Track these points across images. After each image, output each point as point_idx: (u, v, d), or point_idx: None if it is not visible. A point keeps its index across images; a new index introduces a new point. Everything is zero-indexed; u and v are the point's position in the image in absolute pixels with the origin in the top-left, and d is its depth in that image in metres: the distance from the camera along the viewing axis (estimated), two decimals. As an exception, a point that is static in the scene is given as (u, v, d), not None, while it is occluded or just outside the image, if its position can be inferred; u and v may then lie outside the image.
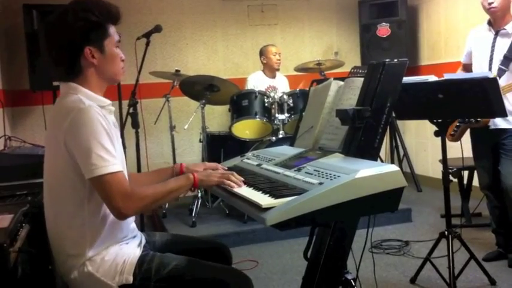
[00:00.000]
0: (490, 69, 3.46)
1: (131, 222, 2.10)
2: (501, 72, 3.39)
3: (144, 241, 2.15)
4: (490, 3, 3.42)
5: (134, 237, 2.10)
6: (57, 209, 1.93)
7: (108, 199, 1.81)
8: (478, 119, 3.40)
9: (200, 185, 2.03)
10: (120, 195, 1.79)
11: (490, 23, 3.57)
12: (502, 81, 3.37)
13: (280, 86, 5.64)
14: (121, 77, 2.07)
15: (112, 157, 1.81)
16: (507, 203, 3.49)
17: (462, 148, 3.37)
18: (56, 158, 1.89)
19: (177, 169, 2.32)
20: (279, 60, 5.67)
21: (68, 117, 1.81)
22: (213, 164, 2.39)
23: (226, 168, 2.38)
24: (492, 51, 3.50)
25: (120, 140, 2.05)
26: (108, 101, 1.99)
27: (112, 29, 1.98)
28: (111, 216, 1.91)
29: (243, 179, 2.05)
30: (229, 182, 2.00)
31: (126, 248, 1.99)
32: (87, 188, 1.86)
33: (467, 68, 3.76)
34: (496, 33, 3.52)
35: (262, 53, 5.71)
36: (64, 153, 1.83)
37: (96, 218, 1.90)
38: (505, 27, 3.47)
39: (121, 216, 1.85)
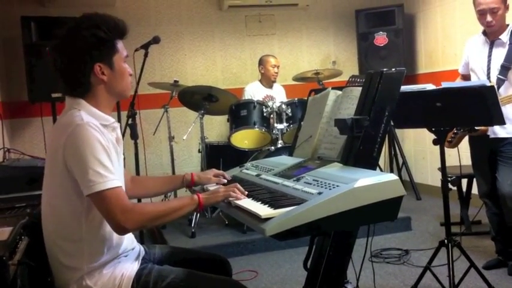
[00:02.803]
0: (488, 79, 3.46)
1: (129, 235, 2.09)
2: (500, 82, 3.40)
3: (142, 253, 2.14)
4: (489, 22, 3.42)
5: (133, 249, 2.10)
6: (55, 221, 1.93)
7: (107, 214, 1.80)
8: (476, 128, 3.41)
9: (206, 204, 1.99)
10: (119, 209, 1.78)
11: (485, 33, 3.58)
12: (502, 92, 3.37)
13: (278, 95, 5.65)
14: (129, 92, 2.06)
15: (110, 173, 1.80)
16: (504, 209, 3.49)
17: (460, 156, 3.38)
18: (54, 172, 1.89)
19: (188, 178, 2.34)
20: (277, 73, 5.69)
21: (66, 132, 1.81)
22: (220, 172, 2.43)
23: (230, 178, 2.41)
24: (489, 61, 3.52)
25: (122, 157, 2.05)
26: (112, 119, 1.98)
27: (120, 45, 1.98)
28: (111, 234, 1.91)
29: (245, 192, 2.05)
30: (235, 194, 1.99)
31: (125, 261, 1.99)
32: (84, 204, 1.85)
33: (466, 78, 3.76)
34: (492, 43, 3.53)
35: (261, 62, 5.73)
36: (62, 169, 1.83)
37: (94, 234, 1.90)
38: (499, 37, 3.49)
39: (121, 230, 1.84)
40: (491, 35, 3.53)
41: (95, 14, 1.96)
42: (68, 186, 1.84)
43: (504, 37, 3.47)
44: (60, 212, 1.90)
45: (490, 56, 3.52)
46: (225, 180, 2.38)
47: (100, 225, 1.89)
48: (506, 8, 3.45)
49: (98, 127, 1.84)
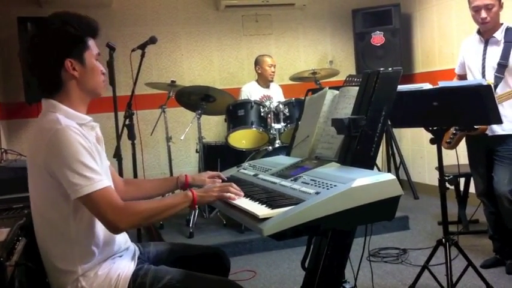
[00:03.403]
0: (483, 77, 3.48)
1: (123, 235, 2.08)
2: (498, 80, 3.42)
3: (137, 253, 2.14)
4: (483, 19, 3.44)
5: (127, 249, 2.09)
6: (43, 225, 1.92)
7: (99, 215, 1.80)
8: (476, 127, 3.42)
9: (200, 201, 1.98)
10: (110, 209, 1.78)
11: (479, 32, 3.60)
12: (499, 90, 3.39)
13: (275, 95, 5.64)
14: (102, 90, 2.05)
15: (96, 174, 1.79)
16: (501, 209, 3.50)
17: (457, 155, 3.38)
18: (37, 177, 1.88)
19: (182, 179, 2.34)
20: (274, 72, 5.70)
21: (46, 138, 1.80)
22: (215, 173, 2.43)
23: (226, 179, 2.39)
24: (484, 59, 3.53)
25: (104, 156, 2.04)
26: (89, 118, 1.97)
27: (91, 42, 1.98)
28: (101, 233, 1.91)
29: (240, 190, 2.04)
30: (229, 194, 1.99)
31: (120, 261, 1.98)
32: (71, 206, 1.84)
33: (462, 78, 3.78)
34: (486, 42, 3.54)
35: (258, 62, 5.73)
36: (44, 174, 1.82)
37: (84, 235, 1.89)
38: (494, 35, 3.50)
39: (115, 229, 1.84)
40: (486, 34, 3.55)
41: (65, 12, 1.96)
42: (52, 190, 1.83)
43: (498, 35, 3.48)
44: (47, 215, 1.89)
45: (484, 54, 3.54)
46: (220, 181, 2.37)
47: (89, 225, 1.88)
48: (501, 6, 3.47)
49: (77, 129, 1.83)
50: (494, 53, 3.48)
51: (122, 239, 2.07)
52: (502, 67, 3.43)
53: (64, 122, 1.83)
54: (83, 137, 1.82)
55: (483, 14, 3.43)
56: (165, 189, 2.40)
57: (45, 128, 1.84)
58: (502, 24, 3.51)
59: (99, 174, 1.81)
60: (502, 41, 3.46)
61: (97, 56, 2.00)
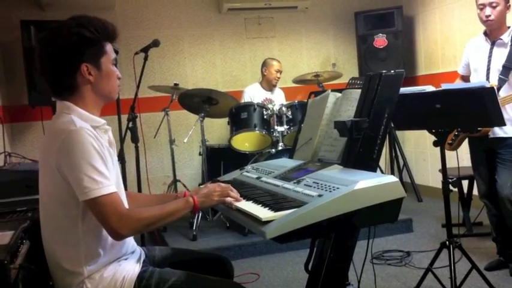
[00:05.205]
0: (487, 79, 3.48)
1: (130, 239, 2.09)
2: (501, 82, 3.42)
3: (143, 256, 2.14)
4: (487, 16, 3.44)
5: (133, 252, 2.09)
6: (51, 226, 1.93)
7: (103, 220, 1.80)
8: (479, 128, 3.41)
9: (201, 207, 2.00)
10: (114, 216, 1.79)
11: (485, 33, 3.60)
12: (503, 92, 3.39)
13: (277, 100, 5.66)
14: (116, 94, 2.06)
15: (105, 179, 1.80)
16: (504, 212, 3.49)
17: (461, 158, 3.38)
18: (48, 177, 1.89)
19: (181, 197, 2.31)
20: (279, 78, 5.74)
21: (59, 139, 1.80)
22: (215, 184, 2.37)
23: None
24: (489, 61, 3.53)
25: (116, 159, 2.04)
26: (103, 121, 1.98)
27: (108, 47, 1.97)
28: (107, 235, 1.90)
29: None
30: (229, 199, 2.00)
31: (125, 264, 1.98)
32: (80, 207, 1.85)
33: (466, 79, 3.78)
34: (493, 44, 3.54)
35: (265, 64, 5.76)
36: (56, 175, 1.83)
37: (91, 237, 1.89)
38: (501, 37, 3.50)
39: (117, 237, 1.84)
40: (492, 35, 3.54)
41: (83, 15, 1.95)
42: (62, 191, 1.84)
43: (505, 38, 3.48)
44: (56, 217, 1.90)
45: (490, 56, 3.53)
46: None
47: (97, 227, 1.88)
48: (508, 8, 3.46)
49: (91, 132, 1.84)
50: (501, 55, 3.48)
51: (129, 243, 2.07)
52: (507, 70, 3.42)
53: (79, 124, 1.84)
54: (96, 140, 1.83)
55: (488, 11, 3.43)
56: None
57: (59, 128, 1.84)
58: (509, 27, 3.51)
59: (108, 179, 1.81)
60: (509, 43, 3.46)
61: (114, 61, 2.00)
